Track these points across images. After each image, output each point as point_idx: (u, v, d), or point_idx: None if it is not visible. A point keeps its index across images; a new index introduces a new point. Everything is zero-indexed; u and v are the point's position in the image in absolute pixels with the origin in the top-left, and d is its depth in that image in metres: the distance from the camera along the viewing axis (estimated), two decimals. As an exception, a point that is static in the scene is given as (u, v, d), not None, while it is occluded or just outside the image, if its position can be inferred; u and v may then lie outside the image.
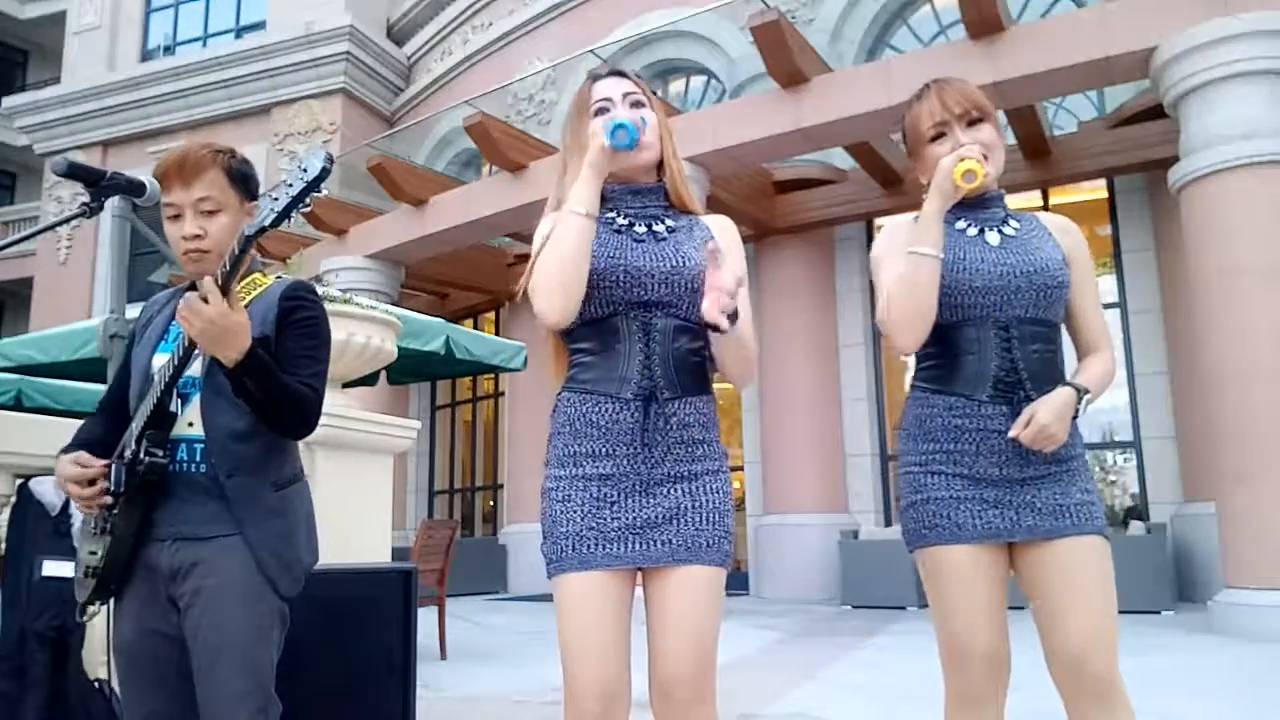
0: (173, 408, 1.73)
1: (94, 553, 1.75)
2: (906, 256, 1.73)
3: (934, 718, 1.86)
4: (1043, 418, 1.66)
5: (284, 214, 1.55)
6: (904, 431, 1.85)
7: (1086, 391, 1.72)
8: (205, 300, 1.57)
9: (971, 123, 1.81)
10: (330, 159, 1.54)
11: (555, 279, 1.58)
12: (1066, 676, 1.68)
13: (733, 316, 1.55)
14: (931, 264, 1.71)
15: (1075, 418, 1.72)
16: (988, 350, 1.74)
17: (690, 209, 1.80)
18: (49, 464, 1.97)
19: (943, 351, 1.79)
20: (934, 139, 1.83)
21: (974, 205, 1.83)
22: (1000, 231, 1.82)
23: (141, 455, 1.68)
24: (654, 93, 1.84)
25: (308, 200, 1.55)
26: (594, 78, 1.80)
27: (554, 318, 1.60)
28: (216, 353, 1.62)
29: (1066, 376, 1.78)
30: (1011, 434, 1.68)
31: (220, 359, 1.63)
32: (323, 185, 1.55)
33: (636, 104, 1.76)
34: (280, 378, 1.70)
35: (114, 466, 1.72)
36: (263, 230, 1.56)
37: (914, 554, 1.81)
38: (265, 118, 16.26)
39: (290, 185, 1.54)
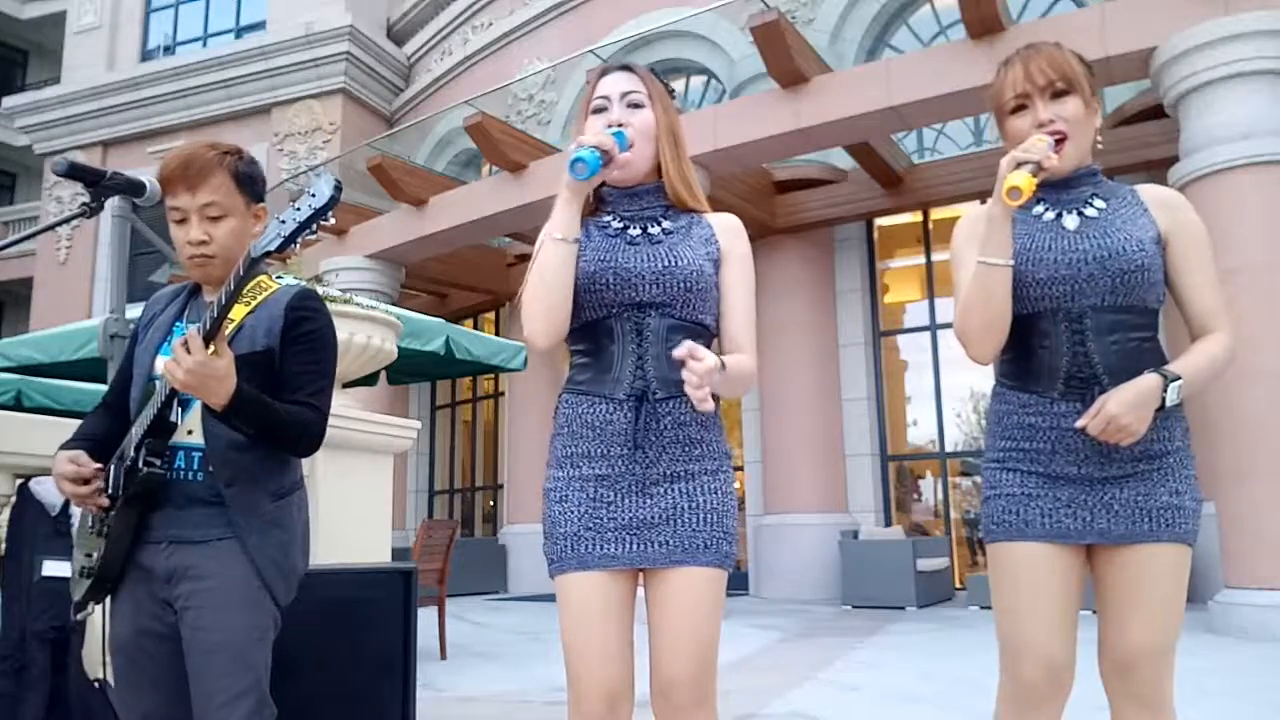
0: (173, 418, 1.73)
1: (90, 554, 1.75)
2: (976, 265, 1.64)
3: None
4: (1111, 408, 1.53)
5: (289, 240, 1.54)
6: (986, 428, 1.78)
7: (1176, 378, 1.57)
8: (188, 349, 1.56)
9: (1056, 95, 1.68)
10: (339, 186, 1.52)
11: (538, 305, 1.60)
12: (1114, 683, 1.64)
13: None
14: (1001, 274, 1.61)
15: (1162, 408, 1.57)
16: (1059, 344, 1.64)
17: (691, 208, 1.76)
18: (49, 464, 1.97)
19: (1016, 345, 1.69)
20: (1014, 110, 1.72)
21: (1058, 185, 1.72)
22: (1080, 214, 1.70)
23: (140, 464, 1.68)
24: (669, 88, 1.78)
25: (314, 227, 1.54)
26: (601, 72, 1.78)
27: (540, 342, 1.62)
28: (201, 399, 1.62)
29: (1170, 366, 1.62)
30: (1079, 423, 1.57)
31: (207, 404, 1.62)
32: (330, 213, 1.53)
33: (634, 105, 1.72)
34: (273, 412, 1.68)
35: (113, 468, 1.72)
36: (267, 254, 1.55)
37: (986, 549, 1.74)
38: (265, 118, 16.25)
39: (298, 209, 1.53)
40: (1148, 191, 1.75)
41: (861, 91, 8.08)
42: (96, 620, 1.83)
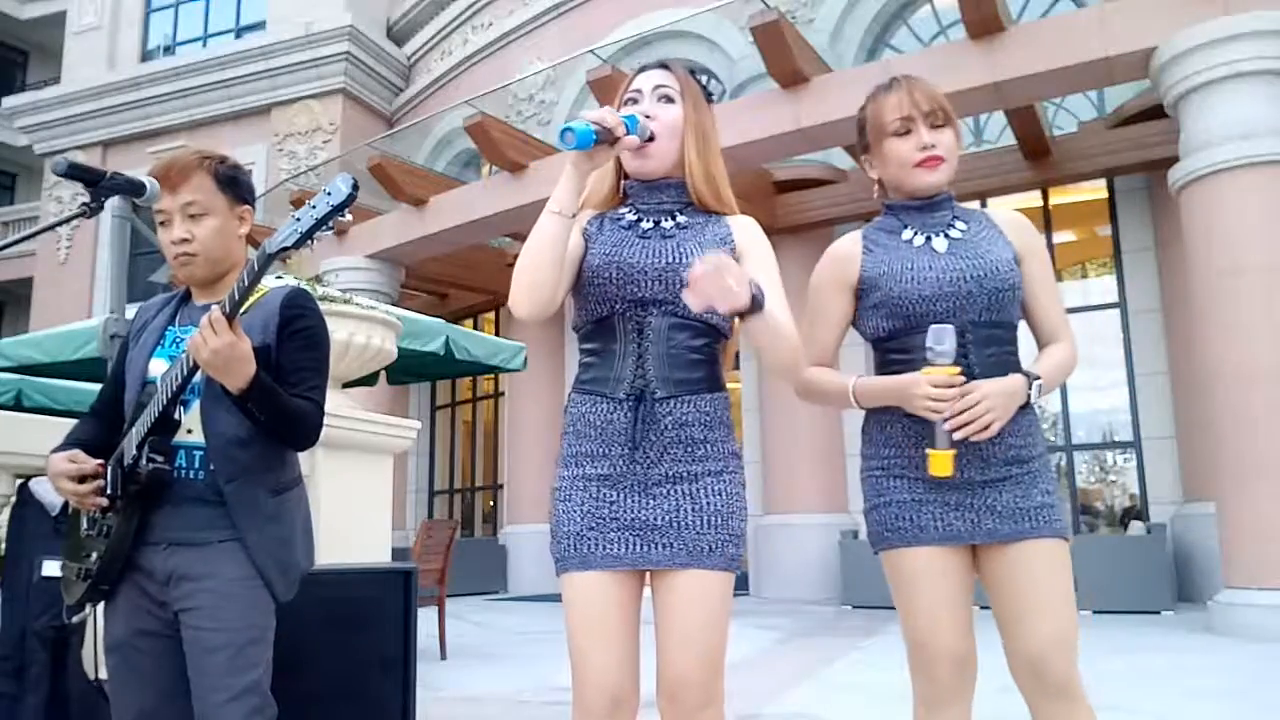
0: (176, 415, 1.74)
1: (88, 555, 1.75)
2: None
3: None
4: (986, 388, 1.64)
5: (306, 236, 1.54)
6: (866, 436, 1.86)
7: (1037, 378, 1.71)
8: (214, 330, 1.58)
9: (936, 125, 1.79)
10: (356, 185, 1.53)
11: (523, 275, 1.59)
12: (1028, 679, 1.69)
13: (756, 304, 1.51)
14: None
15: (1026, 405, 1.72)
16: None
17: (713, 209, 1.74)
18: (49, 464, 1.97)
19: (902, 357, 1.79)
20: (897, 133, 1.81)
21: (922, 209, 1.82)
22: (947, 236, 1.81)
23: (143, 461, 1.68)
24: (707, 91, 1.77)
25: (331, 224, 1.54)
26: (640, 69, 1.78)
27: (521, 311, 1.60)
28: (221, 380, 1.63)
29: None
30: (950, 395, 1.64)
31: (225, 386, 1.63)
32: (347, 210, 1.54)
33: (664, 99, 1.71)
34: (283, 399, 1.70)
35: (110, 470, 1.72)
36: (284, 250, 1.56)
37: (879, 556, 1.81)
38: (265, 118, 16.25)
39: (314, 207, 1.53)
40: (997, 215, 1.88)
41: (861, 91, 7.95)
42: (97, 620, 1.83)
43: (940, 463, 1.66)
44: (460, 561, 8.11)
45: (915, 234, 1.82)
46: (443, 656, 5.88)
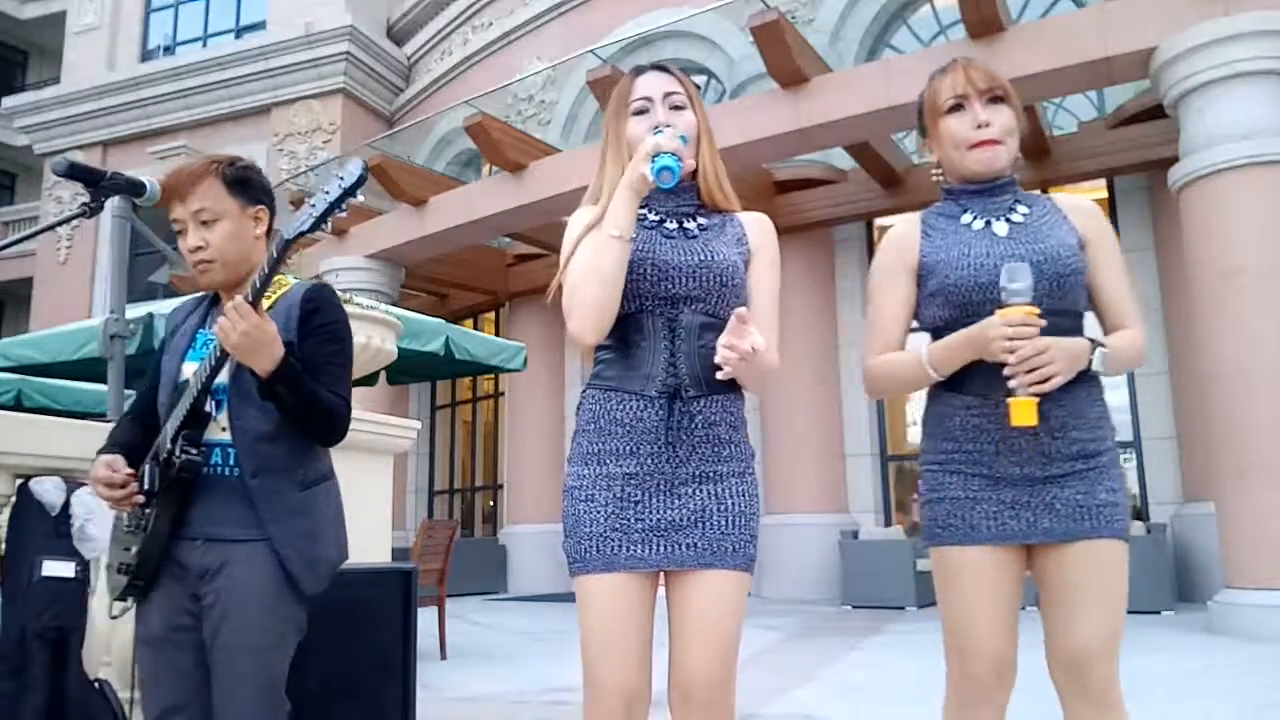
0: (207, 408, 1.76)
1: (128, 549, 1.77)
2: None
3: (933, 718, 1.86)
4: (1048, 341, 1.55)
5: (321, 219, 1.59)
6: (924, 429, 1.81)
7: (1101, 345, 1.64)
8: (239, 315, 1.61)
9: (993, 99, 1.75)
10: (366, 166, 1.57)
11: (594, 303, 1.59)
12: (1068, 679, 1.66)
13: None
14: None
15: (1095, 388, 1.68)
16: None
17: (723, 208, 1.76)
18: (49, 464, 1.97)
19: None
20: (951, 109, 1.76)
21: (982, 193, 1.78)
22: (1008, 220, 1.76)
23: (177, 453, 1.71)
24: (696, 86, 1.79)
25: (344, 206, 1.59)
26: (636, 72, 1.77)
27: (592, 339, 1.61)
28: (250, 364, 1.65)
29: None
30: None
31: (254, 369, 1.65)
32: (359, 191, 1.58)
33: (677, 107, 1.72)
34: (311, 386, 1.73)
35: (148, 467, 1.75)
36: (301, 235, 1.59)
37: (927, 551, 1.78)
38: (265, 118, 16.25)
39: (328, 192, 1.58)
40: (1062, 199, 1.83)
41: (861, 91, 8.06)
42: (97, 620, 1.85)
43: (1022, 410, 1.55)
44: (460, 561, 8.11)
45: (975, 218, 1.77)
46: (443, 656, 5.88)
